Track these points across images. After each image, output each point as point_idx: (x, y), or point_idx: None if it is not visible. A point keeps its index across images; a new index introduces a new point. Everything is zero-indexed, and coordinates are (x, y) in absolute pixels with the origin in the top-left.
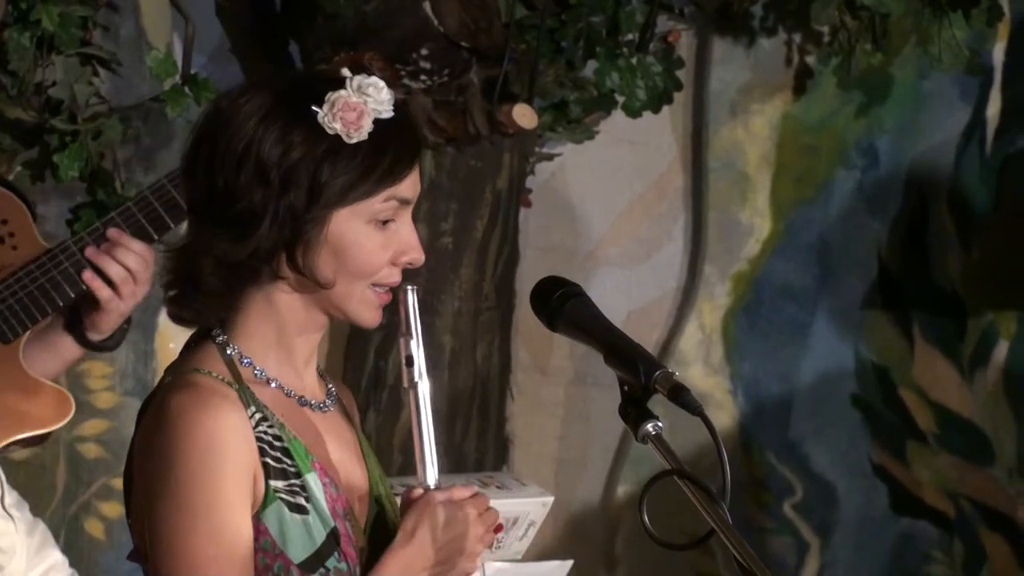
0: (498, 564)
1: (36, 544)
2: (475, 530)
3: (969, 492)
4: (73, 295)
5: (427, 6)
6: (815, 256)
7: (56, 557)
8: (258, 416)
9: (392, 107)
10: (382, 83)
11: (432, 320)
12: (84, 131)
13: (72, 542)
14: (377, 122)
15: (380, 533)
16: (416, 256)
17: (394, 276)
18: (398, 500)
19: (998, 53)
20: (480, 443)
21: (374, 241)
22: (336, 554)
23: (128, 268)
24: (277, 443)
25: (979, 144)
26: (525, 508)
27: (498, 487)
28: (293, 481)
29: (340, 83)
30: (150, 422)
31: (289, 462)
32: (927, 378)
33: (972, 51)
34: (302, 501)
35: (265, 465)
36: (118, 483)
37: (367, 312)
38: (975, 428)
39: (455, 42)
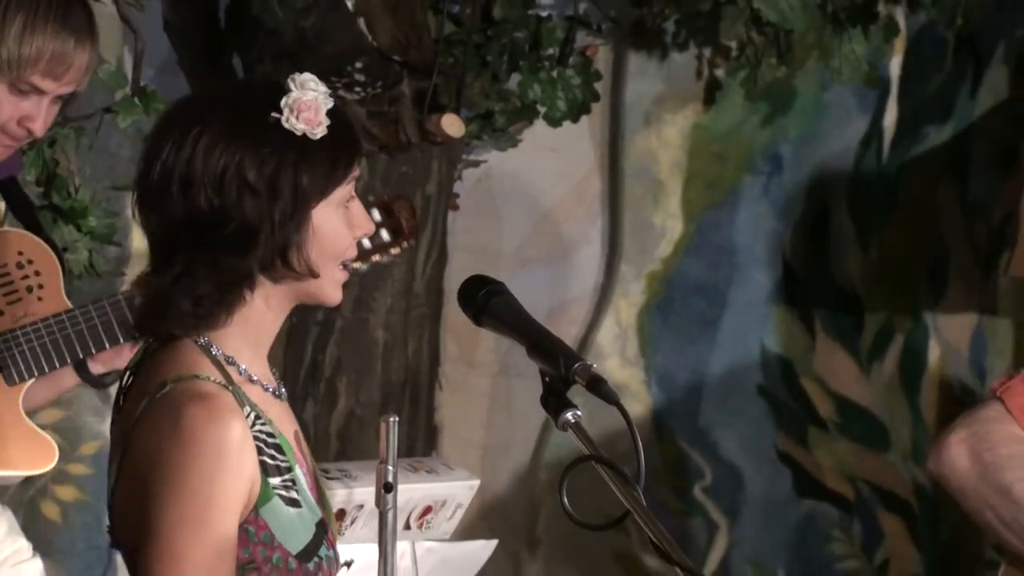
0: (427, 544)
1: (3, 532)
2: None
3: (867, 476)
4: (81, 355)
5: (361, 22)
6: (723, 256)
7: (21, 543)
8: (253, 415)
9: (330, 102)
10: (312, 75)
11: (367, 317)
12: (41, 140)
13: (30, 524)
14: (328, 113)
15: (325, 510)
16: (369, 228)
17: (354, 250)
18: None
19: (894, 67)
20: (411, 430)
21: (343, 222)
22: (324, 543)
23: None
24: (270, 440)
25: (876, 152)
26: (452, 491)
27: (427, 471)
28: (286, 476)
29: (282, 87)
30: (160, 431)
31: (282, 458)
32: (828, 370)
33: (870, 65)
34: (295, 495)
35: (263, 463)
36: (72, 468)
37: (336, 291)
38: (872, 416)
39: (388, 56)
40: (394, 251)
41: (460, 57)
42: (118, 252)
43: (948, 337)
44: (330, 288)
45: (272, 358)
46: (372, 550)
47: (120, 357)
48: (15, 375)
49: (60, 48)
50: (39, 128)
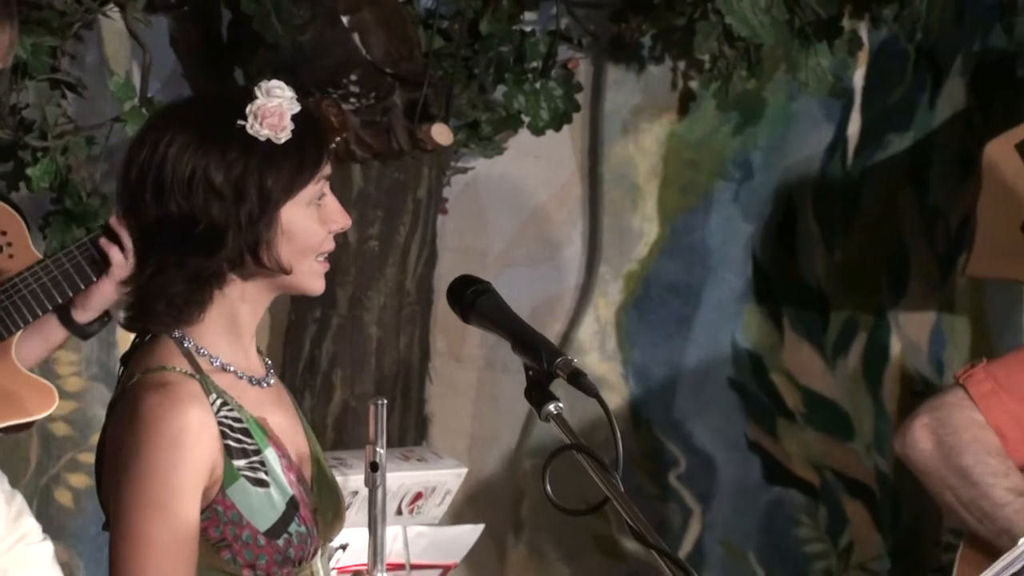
0: (418, 528)
1: (14, 513)
2: None
3: (832, 464)
4: (60, 300)
5: (356, 37)
6: (697, 257)
7: (31, 524)
8: (219, 402)
9: (297, 102)
10: (279, 82)
11: (361, 314)
12: (54, 147)
13: (43, 510)
14: (293, 118)
15: (323, 491)
16: (344, 222)
17: (330, 243)
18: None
19: (858, 79)
20: (403, 421)
21: (314, 219)
22: (296, 519)
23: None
24: (237, 424)
25: (841, 158)
26: (442, 478)
27: (418, 460)
28: (253, 458)
29: (250, 94)
30: (123, 418)
31: (249, 441)
32: (795, 364)
33: (835, 77)
34: (263, 475)
35: (227, 447)
36: (84, 457)
37: (317, 282)
38: (837, 408)
39: (380, 69)
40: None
41: (449, 70)
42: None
43: (909, 333)
44: (308, 280)
45: (272, 352)
46: (366, 534)
47: (99, 296)
48: (3, 331)
49: None
50: None
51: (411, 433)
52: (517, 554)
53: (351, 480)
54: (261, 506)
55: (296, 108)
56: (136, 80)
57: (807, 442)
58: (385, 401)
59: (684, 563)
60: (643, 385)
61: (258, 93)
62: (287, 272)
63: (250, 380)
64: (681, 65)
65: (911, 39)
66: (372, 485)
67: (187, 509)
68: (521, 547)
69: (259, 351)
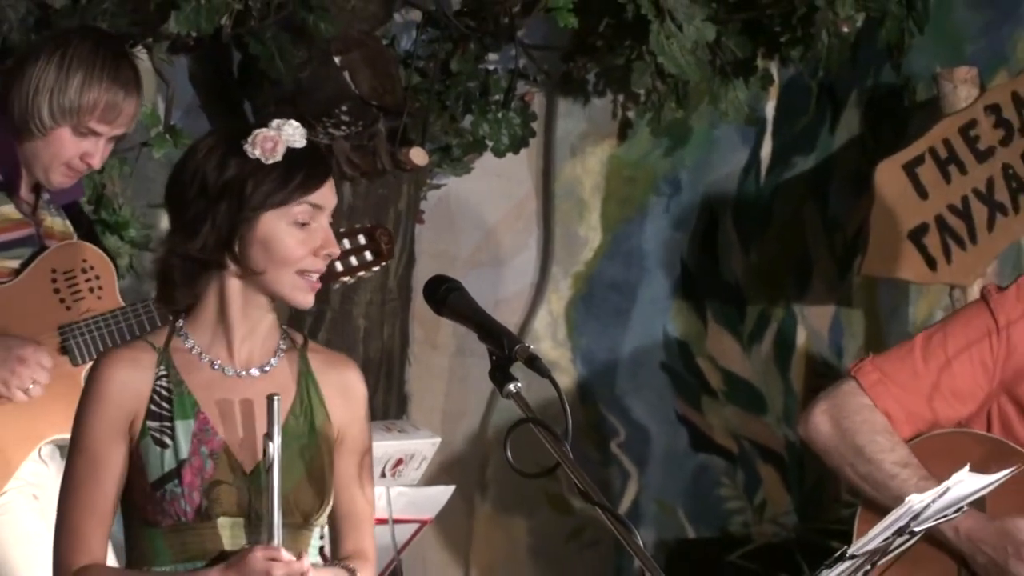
0: (399, 488)
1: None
2: None
3: (748, 434)
4: None
5: (346, 74)
6: (634, 260)
7: None
8: (162, 373)
9: (305, 141)
10: (297, 124)
11: (350, 308)
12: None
13: None
14: (291, 149)
15: (292, 465)
16: (332, 249)
17: (318, 265)
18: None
19: (769, 109)
20: (386, 399)
21: (294, 237)
22: (175, 480)
23: None
24: (164, 394)
25: (755, 177)
26: (419, 447)
27: (399, 431)
28: (164, 423)
29: (263, 125)
30: None
31: (167, 408)
32: (717, 350)
33: (750, 108)
34: (166, 439)
35: (149, 409)
36: None
37: (299, 295)
38: (753, 387)
39: (367, 101)
40: (375, 268)
41: (425, 102)
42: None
43: (812, 324)
44: (288, 290)
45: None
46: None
47: None
48: (78, 358)
49: (112, 99)
50: (97, 163)
51: (392, 409)
52: (483, 510)
53: None
54: (154, 461)
55: (301, 144)
56: (160, 110)
57: (727, 416)
58: (279, 396)
59: (623, 518)
60: (589, 368)
61: (269, 125)
62: (256, 271)
63: (212, 365)
64: (620, 98)
65: (814, 76)
66: (266, 468)
67: (95, 446)
68: (486, 505)
69: (283, 351)
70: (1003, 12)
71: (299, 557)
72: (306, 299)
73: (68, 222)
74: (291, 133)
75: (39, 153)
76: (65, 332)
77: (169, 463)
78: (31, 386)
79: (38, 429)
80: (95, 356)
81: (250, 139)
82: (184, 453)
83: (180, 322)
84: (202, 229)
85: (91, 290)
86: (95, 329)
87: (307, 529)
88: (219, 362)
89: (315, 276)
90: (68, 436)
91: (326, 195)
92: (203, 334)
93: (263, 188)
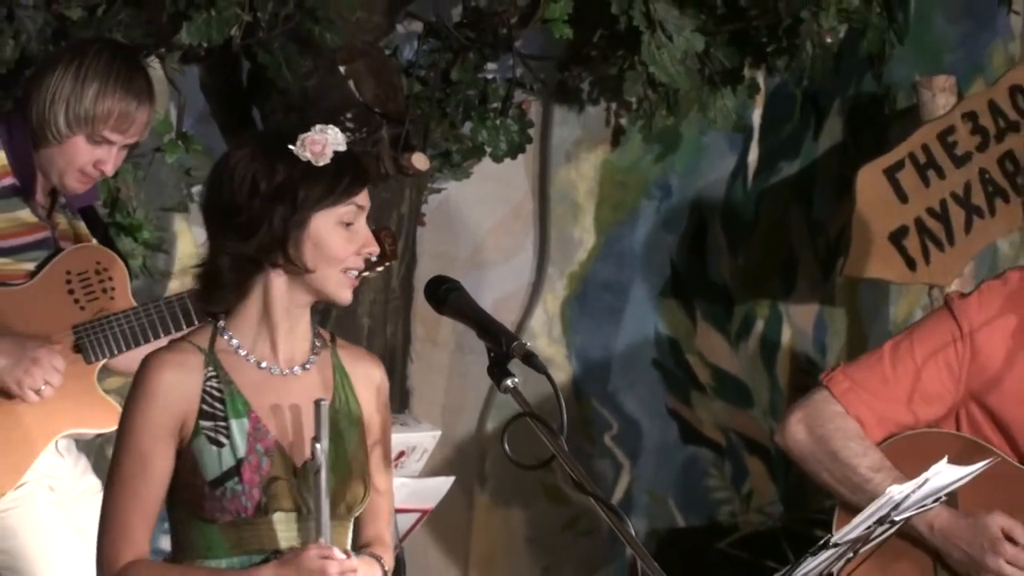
0: (401, 479)
1: (80, 471)
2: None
3: (736, 427)
4: (143, 343)
5: (351, 83)
6: (626, 261)
7: (93, 480)
8: (211, 374)
9: (346, 145)
10: (337, 129)
11: (355, 307)
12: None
13: (99, 464)
14: (336, 153)
15: (339, 460)
16: (373, 248)
17: (359, 263)
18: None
19: (756, 117)
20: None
21: (342, 237)
22: (236, 478)
23: None
24: (216, 394)
25: (743, 182)
26: (420, 439)
27: (401, 425)
28: (219, 423)
29: (306, 129)
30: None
31: (220, 408)
32: (706, 347)
33: (738, 116)
34: (222, 438)
35: (201, 410)
36: None
37: (343, 292)
38: (740, 382)
39: (371, 109)
40: (379, 269)
41: (426, 109)
42: (166, 258)
43: (797, 322)
44: (334, 287)
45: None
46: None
47: None
48: (92, 356)
49: (126, 108)
50: (110, 170)
51: (395, 403)
52: (481, 501)
53: None
54: (211, 460)
55: (343, 148)
56: (173, 118)
57: (715, 410)
58: (327, 401)
59: (616, 508)
60: (583, 364)
61: (312, 129)
62: (310, 270)
63: (259, 365)
64: (613, 106)
65: (799, 85)
66: (314, 471)
67: (146, 446)
68: (485, 495)
69: (317, 349)
70: (980, 24)
71: (345, 551)
72: (348, 296)
73: (83, 225)
74: (335, 137)
75: (55, 159)
76: (79, 331)
77: (227, 461)
78: (43, 387)
79: (53, 425)
80: (108, 355)
81: (299, 142)
82: (242, 452)
83: (221, 322)
84: (259, 231)
85: (104, 291)
86: (108, 328)
87: (348, 520)
88: (264, 362)
89: (355, 273)
90: (82, 431)
91: (367, 197)
92: (246, 334)
93: (316, 190)
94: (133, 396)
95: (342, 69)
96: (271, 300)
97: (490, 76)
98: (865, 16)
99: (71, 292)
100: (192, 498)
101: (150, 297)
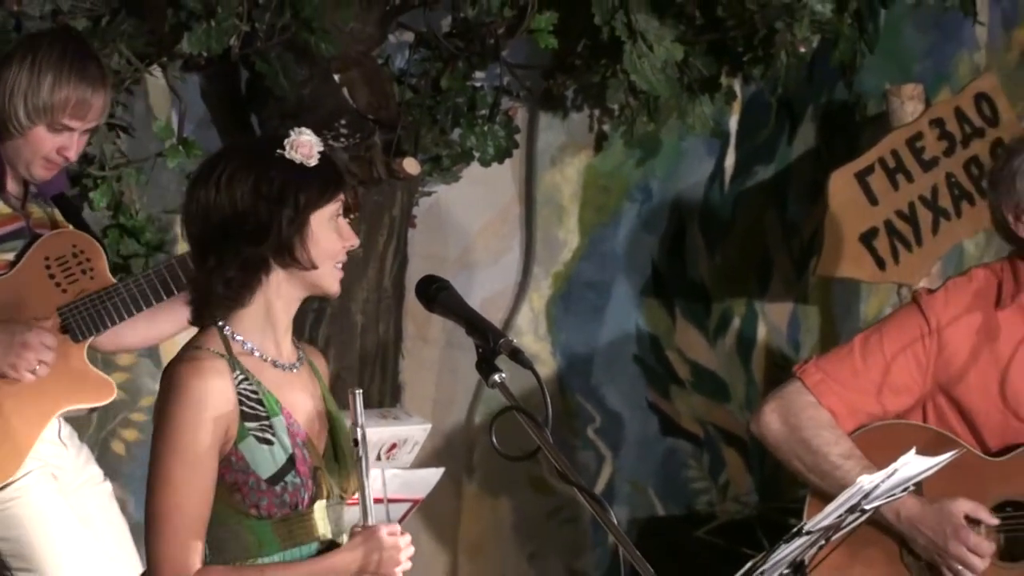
0: (392, 470)
1: (82, 461)
2: (397, 556)
3: (713, 420)
4: (127, 317)
5: (345, 91)
6: (608, 261)
7: (95, 469)
8: (241, 377)
9: (322, 147)
10: (310, 130)
11: (349, 305)
12: (110, 176)
13: (103, 457)
14: (320, 153)
15: (337, 456)
16: (354, 241)
17: (344, 256)
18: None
19: (732, 123)
20: (381, 388)
21: (334, 232)
22: (292, 472)
23: None
24: (253, 396)
25: (720, 185)
26: (411, 432)
27: (393, 418)
28: (263, 422)
29: (287, 135)
30: (162, 387)
31: (261, 408)
32: (685, 343)
33: (715, 122)
34: (269, 436)
35: (242, 412)
36: (134, 416)
37: (336, 284)
38: (717, 377)
39: (364, 116)
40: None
41: (417, 116)
42: (167, 259)
43: (772, 319)
44: (328, 280)
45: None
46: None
47: None
48: (79, 334)
49: (82, 96)
50: (73, 155)
51: (387, 398)
52: (470, 491)
53: None
54: (264, 459)
55: (321, 147)
56: (174, 124)
57: (694, 404)
58: (361, 391)
59: (599, 497)
60: (567, 360)
61: (292, 134)
62: (315, 267)
63: (273, 364)
64: (596, 112)
65: (773, 93)
66: (356, 455)
67: (202, 455)
68: (473, 485)
69: (296, 345)
70: (946, 35)
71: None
72: (338, 286)
73: (58, 212)
74: (315, 141)
75: (20, 151)
76: (64, 313)
77: (280, 458)
78: (37, 367)
79: (51, 404)
80: (95, 331)
81: (287, 146)
82: (289, 447)
83: (227, 329)
84: (269, 234)
85: (83, 272)
86: (91, 307)
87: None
88: (270, 357)
89: (341, 264)
90: (80, 406)
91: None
92: (253, 334)
93: (312, 190)
94: (178, 405)
95: (336, 77)
96: (273, 299)
97: (478, 84)
98: (837, 27)
99: (52, 276)
100: (243, 499)
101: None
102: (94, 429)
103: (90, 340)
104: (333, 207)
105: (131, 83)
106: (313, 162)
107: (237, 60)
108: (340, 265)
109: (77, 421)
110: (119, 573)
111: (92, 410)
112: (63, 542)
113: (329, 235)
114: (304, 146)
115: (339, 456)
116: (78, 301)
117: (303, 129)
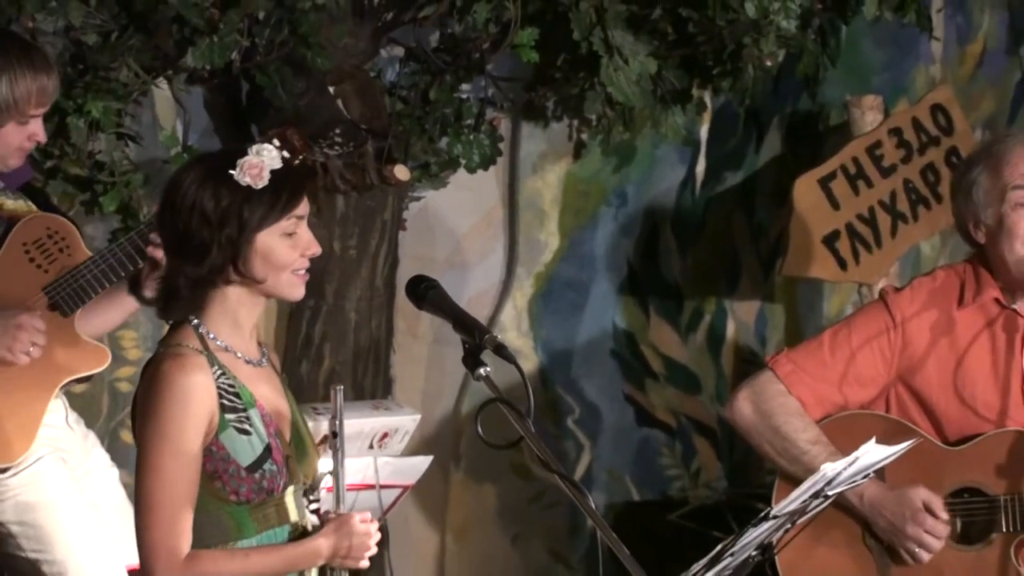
0: (384, 458)
1: (89, 446)
2: (368, 542)
3: (685, 411)
4: (108, 285)
5: (339, 102)
6: (587, 262)
7: (101, 454)
8: (219, 372)
9: (281, 160)
10: (270, 146)
11: (343, 303)
12: (119, 182)
13: (112, 445)
14: (273, 171)
15: (298, 443)
16: (315, 250)
17: (305, 263)
18: (310, 422)
19: (703, 132)
20: (374, 381)
21: (286, 246)
22: (269, 460)
23: None
24: (231, 389)
25: (691, 190)
26: (402, 422)
27: (385, 409)
28: (240, 414)
29: (244, 152)
30: (146, 381)
31: (239, 401)
32: (658, 339)
33: (687, 131)
34: (247, 427)
35: (222, 404)
36: None
37: (294, 291)
38: (689, 371)
39: (357, 125)
40: (295, 162)
41: (407, 126)
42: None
43: (740, 317)
44: (284, 288)
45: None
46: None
47: (152, 280)
48: (68, 308)
49: (42, 84)
50: (42, 138)
51: (379, 390)
52: (456, 477)
53: (324, 424)
54: (243, 448)
55: (278, 164)
56: (179, 133)
57: (667, 396)
58: (342, 388)
59: (578, 483)
60: (548, 354)
61: (249, 152)
62: (260, 281)
63: (246, 360)
64: (575, 122)
65: (741, 103)
66: (333, 448)
67: (189, 445)
68: (460, 472)
69: (260, 343)
70: (904, 50)
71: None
72: (299, 292)
73: (29, 201)
74: (271, 155)
75: None
76: (50, 291)
77: (258, 447)
78: (31, 348)
79: (52, 378)
80: (82, 303)
81: (238, 168)
82: (266, 437)
83: (203, 328)
84: (210, 254)
85: (61, 251)
86: (75, 281)
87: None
88: (242, 354)
89: (303, 271)
90: (79, 376)
91: (305, 206)
92: (223, 332)
93: (258, 212)
94: (165, 400)
95: (331, 89)
96: (235, 304)
97: (464, 96)
98: (801, 42)
99: (32, 260)
100: (223, 486)
101: None
102: (104, 419)
103: (79, 312)
104: (285, 223)
105: (139, 95)
106: (261, 184)
107: (238, 73)
108: (301, 271)
109: (88, 412)
110: (126, 556)
111: (88, 378)
112: (76, 527)
113: (280, 249)
114: (253, 168)
115: (300, 445)
116: (61, 278)
117: (263, 146)
